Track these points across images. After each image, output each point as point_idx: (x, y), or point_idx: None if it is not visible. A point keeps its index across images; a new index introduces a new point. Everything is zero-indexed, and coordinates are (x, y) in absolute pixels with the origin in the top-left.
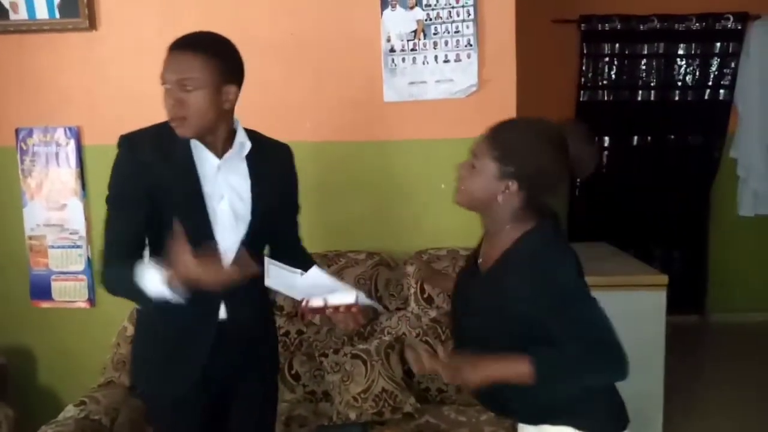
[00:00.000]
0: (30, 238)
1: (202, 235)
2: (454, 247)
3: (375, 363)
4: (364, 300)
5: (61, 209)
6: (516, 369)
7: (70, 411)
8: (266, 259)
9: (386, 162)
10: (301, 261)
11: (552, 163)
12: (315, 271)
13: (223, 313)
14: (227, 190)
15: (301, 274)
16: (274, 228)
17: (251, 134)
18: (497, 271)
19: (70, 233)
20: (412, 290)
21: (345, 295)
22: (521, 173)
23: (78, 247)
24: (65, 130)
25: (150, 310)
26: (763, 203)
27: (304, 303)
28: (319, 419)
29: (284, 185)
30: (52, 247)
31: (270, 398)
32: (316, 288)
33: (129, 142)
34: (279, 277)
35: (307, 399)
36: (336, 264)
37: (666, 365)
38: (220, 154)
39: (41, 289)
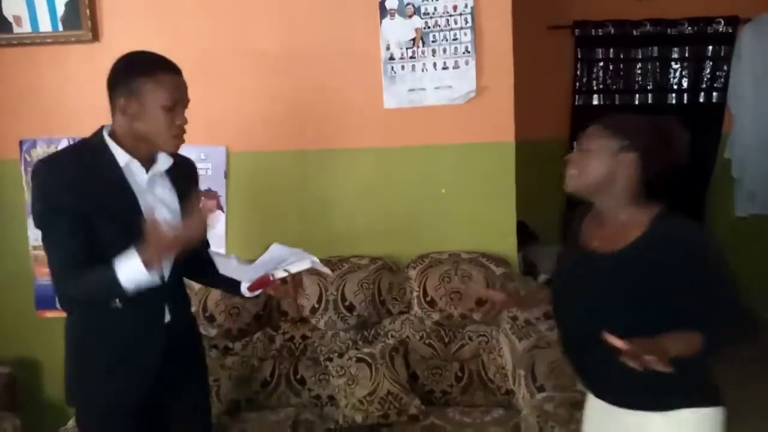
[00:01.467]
0: (34, 248)
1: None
2: (455, 250)
3: (380, 366)
4: (319, 264)
5: None
6: (690, 344)
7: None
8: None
9: (387, 168)
10: (212, 261)
11: (662, 136)
12: (274, 247)
13: (167, 316)
14: (158, 203)
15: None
16: None
17: None
18: (632, 253)
19: None
20: (415, 294)
21: (303, 263)
22: (638, 144)
23: None
24: (68, 141)
25: (90, 321)
26: (759, 204)
27: (269, 278)
28: (326, 423)
29: (194, 192)
30: None
31: (207, 400)
32: (273, 262)
33: (50, 165)
34: (228, 264)
35: (312, 403)
36: (339, 269)
37: None
38: (147, 170)
39: (46, 300)
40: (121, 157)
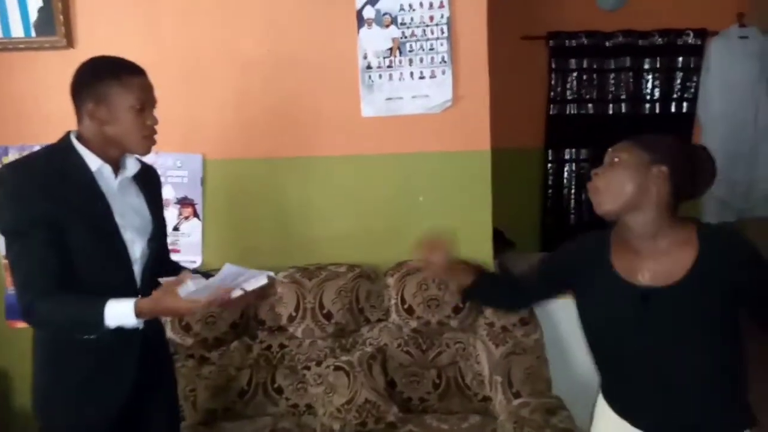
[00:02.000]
0: (4, 257)
1: (116, 253)
2: None
3: (357, 374)
4: (273, 276)
5: None
6: None
7: None
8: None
9: (365, 175)
10: (174, 269)
11: (690, 156)
12: (227, 267)
13: (142, 323)
14: (127, 208)
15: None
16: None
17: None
18: (694, 280)
19: None
20: (393, 301)
21: (258, 279)
22: (668, 157)
23: None
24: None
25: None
26: (727, 211)
27: (223, 298)
28: None
29: (160, 201)
30: None
31: (176, 406)
32: (229, 281)
33: (21, 168)
34: (190, 287)
35: (290, 412)
36: (317, 277)
37: None
38: (116, 174)
39: (16, 310)
40: (92, 161)
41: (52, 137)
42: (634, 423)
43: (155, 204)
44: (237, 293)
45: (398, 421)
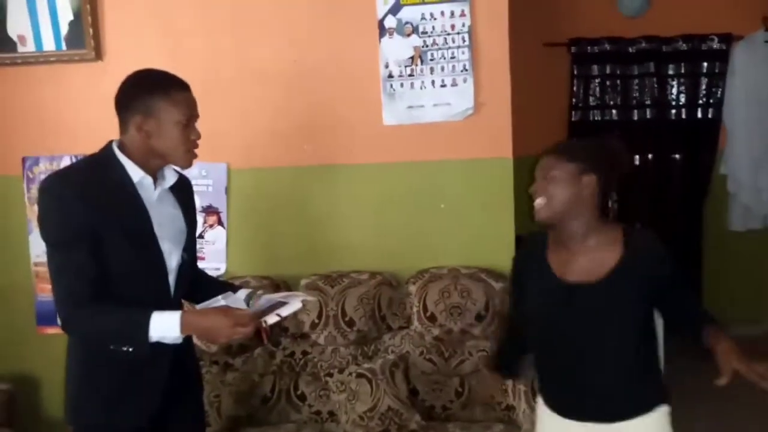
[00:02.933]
0: (35, 264)
1: (153, 264)
2: (455, 265)
3: (380, 381)
4: (308, 298)
5: None
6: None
7: None
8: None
9: (387, 183)
10: (202, 279)
11: (610, 154)
12: (264, 298)
13: (181, 337)
14: (165, 218)
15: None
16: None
17: None
18: (618, 277)
19: None
20: (415, 309)
21: (293, 305)
22: (595, 165)
23: None
24: (71, 159)
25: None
26: (753, 218)
27: (259, 325)
28: None
29: (194, 211)
30: None
31: (202, 414)
32: (266, 307)
33: (64, 178)
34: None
35: (313, 419)
36: (339, 284)
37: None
38: (155, 185)
39: (47, 316)
40: (135, 172)
41: (80, 147)
42: (564, 415)
43: (189, 214)
44: (273, 320)
45: (421, 429)
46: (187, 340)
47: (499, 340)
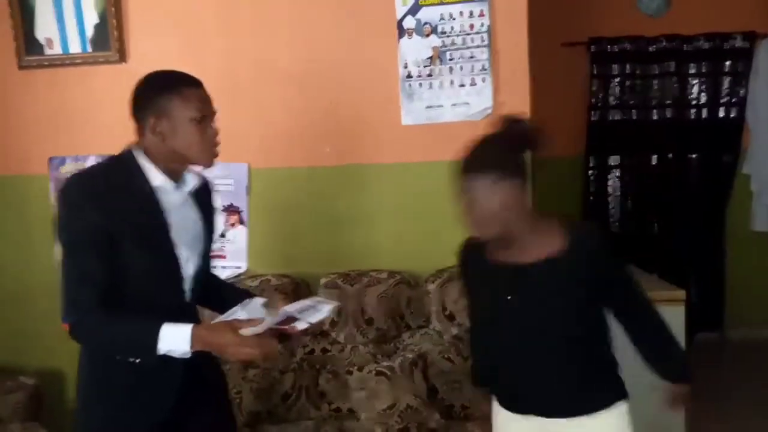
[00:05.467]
0: (59, 262)
1: (169, 270)
2: None
3: (399, 380)
4: (338, 304)
5: None
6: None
7: None
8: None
9: (405, 183)
10: (215, 282)
11: (514, 141)
12: (288, 307)
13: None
14: (184, 222)
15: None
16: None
17: None
18: (562, 260)
19: None
20: (434, 308)
21: (322, 311)
22: (509, 166)
23: None
24: (95, 159)
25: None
26: None
27: (287, 329)
28: None
29: (213, 215)
30: None
31: (227, 417)
32: (294, 313)
33: (81, 181)
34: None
35: (332, 416)
36: (359, 283)
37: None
38: (177, 189)
39: None
40: (155, 176)
41: (105, 147)
42: (517, 410)
43: (209, 219)
44: (302, 326)
45: (440, 427)
46: (205, 355)
47: (471, 351)
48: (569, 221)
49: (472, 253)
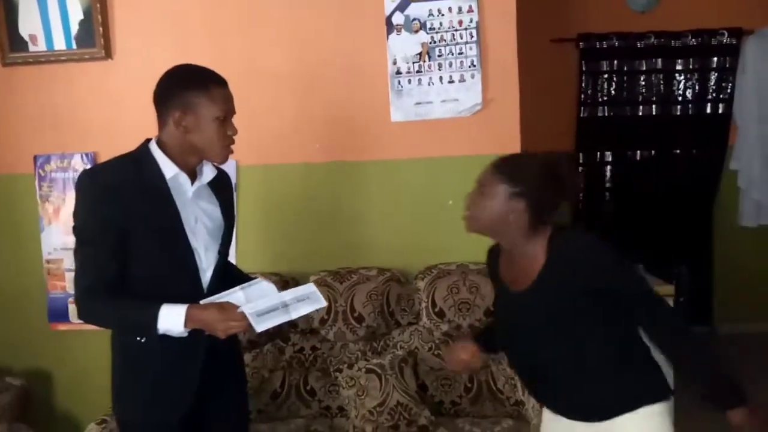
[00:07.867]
0: (48, 261)
1: (182, 261)
2: (463, 261)
3: (389, 377)
4: (323, 303)
5: None
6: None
7: (92, 429)
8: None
9: (395, 180)
10: (234, 273)
11: (551, 183)
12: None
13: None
14: (200, 214)
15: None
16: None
17: None
18: (540, 287)
19: None
20: (424, 305)
21: (314, 302)
22: (528, 190)
23: None
24: (82, 156)
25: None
26: (765, 213)
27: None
28: None
29: (232, 205)
30: (70, 270)
31: (244, 409)
32: (287, 300)
33: (93, 175)
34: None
35: (322, 414)
36: (348, 280)
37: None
38: (192, 181)
39: (59, 312)
40: (168, 169)
41: (91, 145)
42: (549, 408)
43: (227, 209)
44: (294, 316)
45: (430, 424)
46: (229, 342)
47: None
48: (555, 238)
49: (493, 259)
